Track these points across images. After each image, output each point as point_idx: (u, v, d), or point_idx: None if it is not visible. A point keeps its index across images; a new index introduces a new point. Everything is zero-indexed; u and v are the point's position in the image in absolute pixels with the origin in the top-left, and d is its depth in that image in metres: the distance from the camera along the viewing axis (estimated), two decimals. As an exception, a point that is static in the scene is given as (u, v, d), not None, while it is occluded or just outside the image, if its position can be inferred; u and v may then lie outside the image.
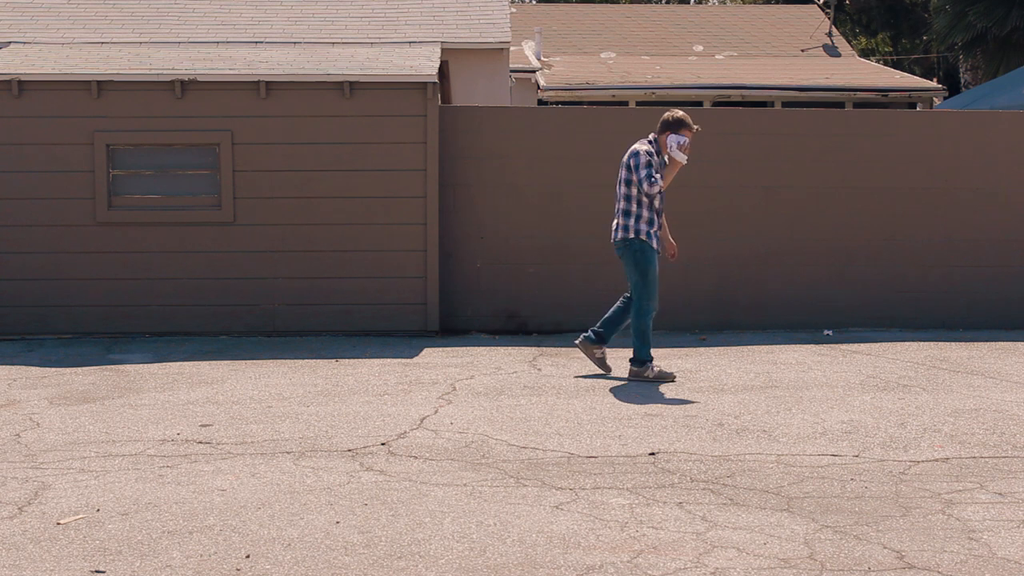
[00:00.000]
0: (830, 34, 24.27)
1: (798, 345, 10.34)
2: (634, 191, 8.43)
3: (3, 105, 10.70)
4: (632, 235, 8.44)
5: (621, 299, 8.81)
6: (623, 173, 8.51)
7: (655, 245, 8.47)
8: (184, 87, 10.75)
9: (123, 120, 10.76)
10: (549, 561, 4.59)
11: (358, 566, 4.54)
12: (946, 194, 11.45)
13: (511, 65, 15.89)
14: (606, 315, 8.86)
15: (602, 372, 8.80)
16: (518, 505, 5.34)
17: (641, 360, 8.52)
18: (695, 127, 8.46)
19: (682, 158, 8.36)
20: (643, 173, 8.32)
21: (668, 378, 8.49)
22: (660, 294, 8.25)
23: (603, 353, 8.80)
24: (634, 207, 8.43)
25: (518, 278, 11.25)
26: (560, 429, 6.92)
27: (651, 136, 8.58)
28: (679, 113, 8.50)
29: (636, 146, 8.53)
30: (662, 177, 8.43)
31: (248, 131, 10.80)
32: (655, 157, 8.42)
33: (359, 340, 10.57)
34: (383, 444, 6.55)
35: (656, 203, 8.46)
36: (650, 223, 8.44)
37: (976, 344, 10.34)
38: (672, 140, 8.36)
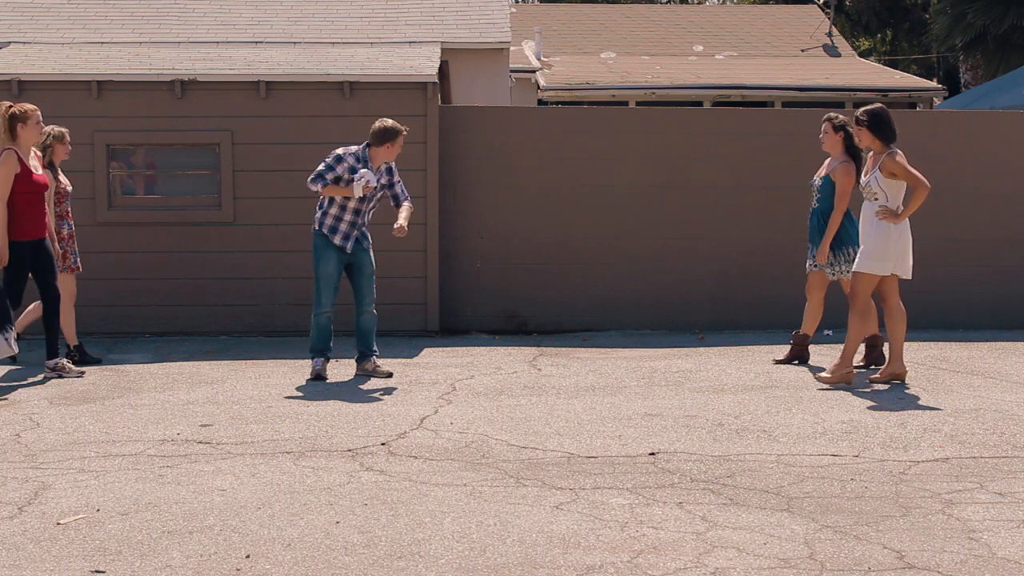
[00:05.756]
0: (830, 34, 24.27)
1: (798, 345, 10.32)
2: None
3: (3, 105, 10.69)
4: None
5: None
6: None
7: None
8: (184, 87, 10.75)
9: (123, 120, 10.76)
10: (549, 561, 4.59)
11: (358, 566, 4.54)
12: (946, 194, 11.42)
13: (511, 65, 15.87)
14: None
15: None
16: (518, 505, 5.34)
17: None
18: None
19: None
20: None
21: None
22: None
23: None
24: None
25: (518, 278, 11.24)
26: (560, 429, 6.92)
27: None
28: None
29: None
30: None
31: (248, 131, 10.80)
32: None
33: (359, 340, 10.56)
34: (383, 444, 6.54)
35: None
36: None
37: (976, 344, 10.34)
38: None
